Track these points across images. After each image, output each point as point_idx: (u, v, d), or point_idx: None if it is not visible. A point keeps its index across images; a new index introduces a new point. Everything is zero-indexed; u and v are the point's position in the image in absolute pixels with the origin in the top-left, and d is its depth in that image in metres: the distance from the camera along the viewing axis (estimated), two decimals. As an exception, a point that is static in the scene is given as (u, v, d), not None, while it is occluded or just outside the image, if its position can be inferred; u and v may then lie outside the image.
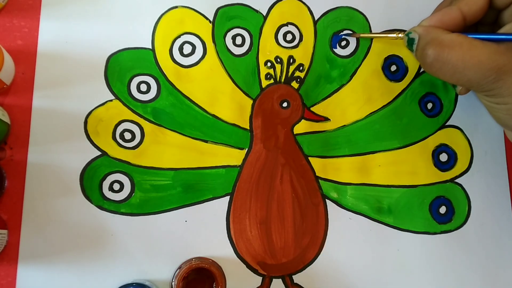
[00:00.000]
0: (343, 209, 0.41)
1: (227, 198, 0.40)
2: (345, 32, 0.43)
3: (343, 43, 0.43)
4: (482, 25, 0.38)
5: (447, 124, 0.43)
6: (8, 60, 0.37)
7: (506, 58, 0.32)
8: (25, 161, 0.38)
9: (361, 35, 0.43)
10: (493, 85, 0.33)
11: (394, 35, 0.39)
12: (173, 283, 0.37)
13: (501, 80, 0.32)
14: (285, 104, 0.42)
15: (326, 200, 0.41)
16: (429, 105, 0.43)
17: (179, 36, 0.42)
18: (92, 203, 0.38)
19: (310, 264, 0.40)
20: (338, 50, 0.43)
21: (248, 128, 0.41)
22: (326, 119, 0.42)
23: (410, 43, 0.36)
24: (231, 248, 0.39)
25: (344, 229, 0.41)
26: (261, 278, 0.39)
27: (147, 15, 0.42)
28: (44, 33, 0.40)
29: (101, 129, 0.39)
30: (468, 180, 0.43)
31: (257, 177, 0.40)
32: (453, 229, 0.42)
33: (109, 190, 0.39)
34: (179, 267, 0.38)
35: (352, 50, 0.43)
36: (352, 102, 0.43)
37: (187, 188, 0.40)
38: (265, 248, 0.40)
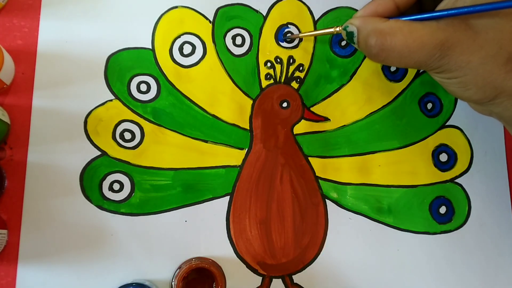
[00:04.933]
0: (343, 209, 0.41)
1: (227, 198, 0.40)
2: (287, 31, 0.43)
3: (343, 43, 0.43)
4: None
5: (447, 124, 0.43)
6: (8, 60, 0.37)
7: (448, 33, 0.32)
8: (25, 161, 0.38)
9: (301, 35, 0.42)
10: (440, 62, 0.33)
11: (332, 29, 0.39)
12: (173, 283, 0.37)
13: (446, 56, 0.33)
14: (285, 104, 0.42)
15: (326, 200, 0.41)
16: (429, 105, 0.43)
17: (179, 36, 0.42)
18: (92, 203, 0.38)
19: (310, 264, 0.40)
20: (338, 50, 0.43)
21: (248, 128, 0.41)
22: (326, 119, 0.42)
23: (349, 36, 0.36)
24: (231, 248, 0.39)
25: (344, 229, 0.41)
26: (261, 278, 0.39)
27: (147, 15, 0.42)
28: (44, 33, 0.40)
29: (101, 129, 0.39)
30: (468, 180, 0.43)
31: (257, 177, 0.40)
32: (453, 229, 0.42)
33: (109, 190, 0.39)
34: (179, 267, 0.38)
35: (352, 50, 0.43)
36: (352, 102, 0.43)
37: (187, 188, 0.40)
38: (265, 248, 0.40)
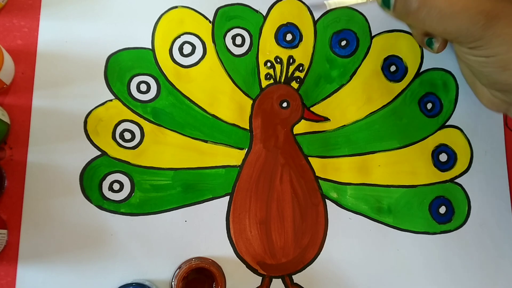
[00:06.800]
0: (343, 209, 0.41)
1: (227, 198, 0.40)
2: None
3: (343, 43, 0.43)
4: None
5: (447, 124, 0.43)
6: (8, 60, 0.37)
7: (493, 4, 0.31)
8: (25, 161, 0.38)
9: (332, 3, 0.36)
10: (483, 32, 0.32)
11: None
12: (173, 283, 0.37)
13: (491, 27, 0.31)
14: (284, 104, 0.42)
15: (326, 200, 0.41)
16: (429, 105, 0.43)
17: (179, 36, 0.42)
18: (92, 203, 0.38)
19: (310, 264, 0.40)
20: (338, 50, 0.43)
21: (248, 128, 0.41)
22: (326, 119, 0.42)
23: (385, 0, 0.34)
24: (231, 248, 0.39)
25: (344, 229, 0.41)
26: (261, 278, 0.39)
27: (147, 15, 0.42)
28: (44, 33, 0.40)
29: (101, 129, 0.39)
30: (468, 180, 0.43)
31: (256, 177, 0.40)
32: (452, 229, 0.42)
33: (109, 190, 0.39)
34: (179, 267, 0.38)
35: (352, 50, 0.43)
36: (352, 102, 0.43)
37: (187, 188, 0.40)
38: (265, 248, 0.40)
